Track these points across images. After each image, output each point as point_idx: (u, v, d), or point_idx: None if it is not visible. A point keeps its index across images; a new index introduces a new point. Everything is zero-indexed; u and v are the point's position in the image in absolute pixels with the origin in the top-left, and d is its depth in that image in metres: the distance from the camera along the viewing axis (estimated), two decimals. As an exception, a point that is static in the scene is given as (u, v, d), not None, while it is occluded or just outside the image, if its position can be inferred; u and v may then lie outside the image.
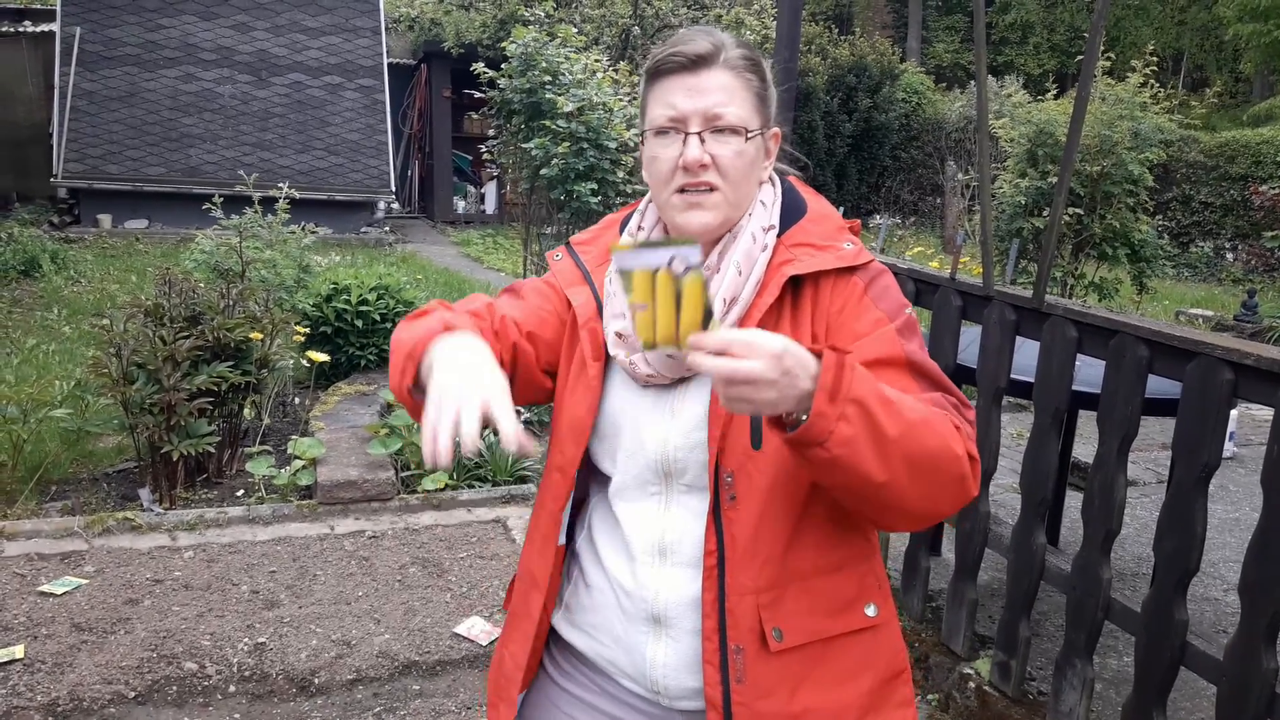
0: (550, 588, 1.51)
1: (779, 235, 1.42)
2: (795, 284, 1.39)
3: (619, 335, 1.42)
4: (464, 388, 1.16)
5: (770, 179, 1.49)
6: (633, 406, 1.43)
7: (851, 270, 1.40)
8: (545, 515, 1.52)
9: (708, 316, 1.15)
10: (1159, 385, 2.72)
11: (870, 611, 1.43)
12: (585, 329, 1.46)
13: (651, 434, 1.40)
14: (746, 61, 1.39)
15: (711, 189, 1.37)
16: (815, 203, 1.49)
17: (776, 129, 1.46)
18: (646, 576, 1.41)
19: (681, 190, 1.37)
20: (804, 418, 1.16)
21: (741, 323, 1.37)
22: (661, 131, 1.38)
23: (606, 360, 1.46)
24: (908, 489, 1.22)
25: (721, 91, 1.36)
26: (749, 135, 1.38)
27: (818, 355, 1.15)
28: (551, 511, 1.50)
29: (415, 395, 1.31)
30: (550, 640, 1.56)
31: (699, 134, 1.35)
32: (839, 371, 1.14)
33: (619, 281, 1.24)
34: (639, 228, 1.50)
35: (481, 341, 1.27)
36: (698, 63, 1.36)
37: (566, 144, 6.19)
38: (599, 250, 1.54)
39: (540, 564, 1.52)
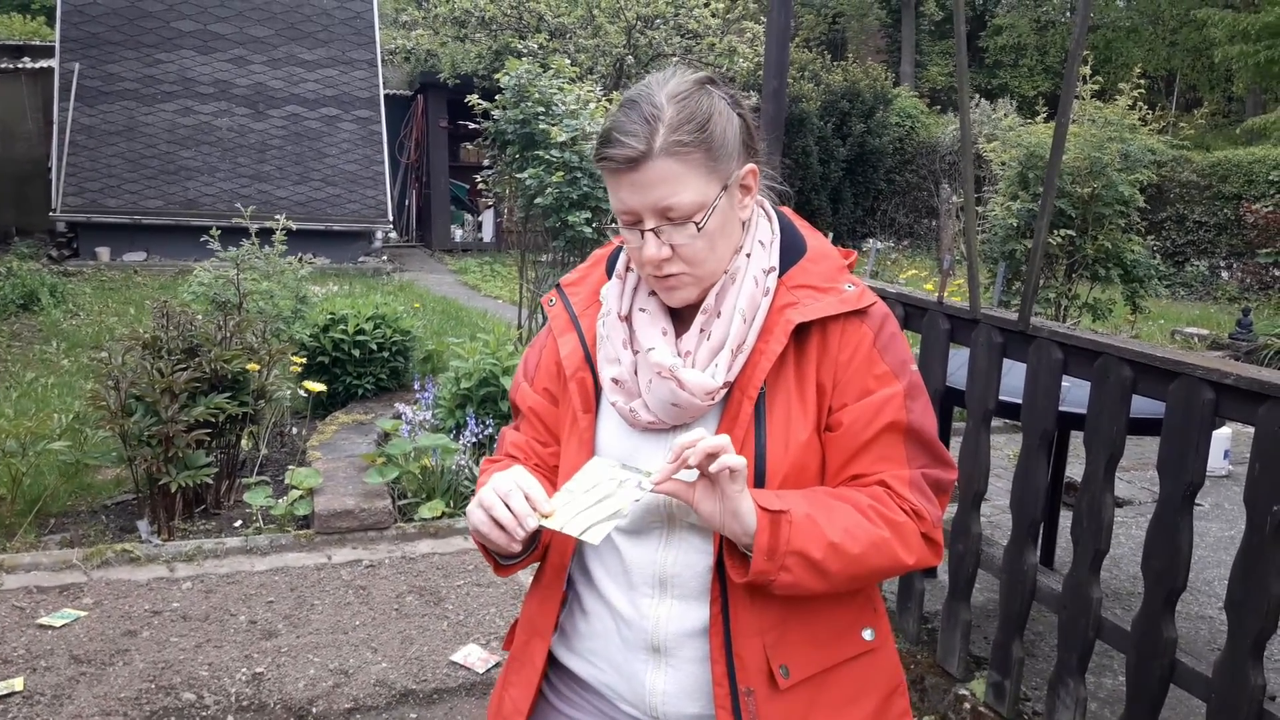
0: (550, 635, 1.53)
1: (779, 276, 1.42)
2: (799, 328, 1.38)
3: (615, 381, 1.43)
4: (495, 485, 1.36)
5: (766, 214, 1.47)
6: (631, 448, 1.43)
7: (857, 313, 1.40)
8: (549, 568, 1.53)
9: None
10: (1148, 406, 2.75)
11: (867, 635, 1.46)
12: (574, 380, 1.47)
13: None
14: (683, 140, 1.32)
15: (677, 276, 1.38)
16: (814, 240, 1.48)
17: (751, 165, 1.41)
18: (646, 607, 1.41)
19: (651, 276, 1.40)
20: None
21: (746, 369, 1.37)
22: (623, 223, 1.39)
23: (598, 407, 1.47)
24: (855, 586, 1.40)
25: (665, 184, 1.32)
26: (700, 223, 1.34)
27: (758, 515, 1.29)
28: (555, 565, 1.51)
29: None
30: (549, 665, 1.56)
31: (655, 230, 1.34)
32: (773, 533, 1.27)
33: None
34: (627, 269, 1.49)
35: (519, 467, 1.43)
36: (633, 163, 1.32)
37: (560, 173, 6.25)
38: (587, 291, 1.54)
39: (542, 613, 1.52)
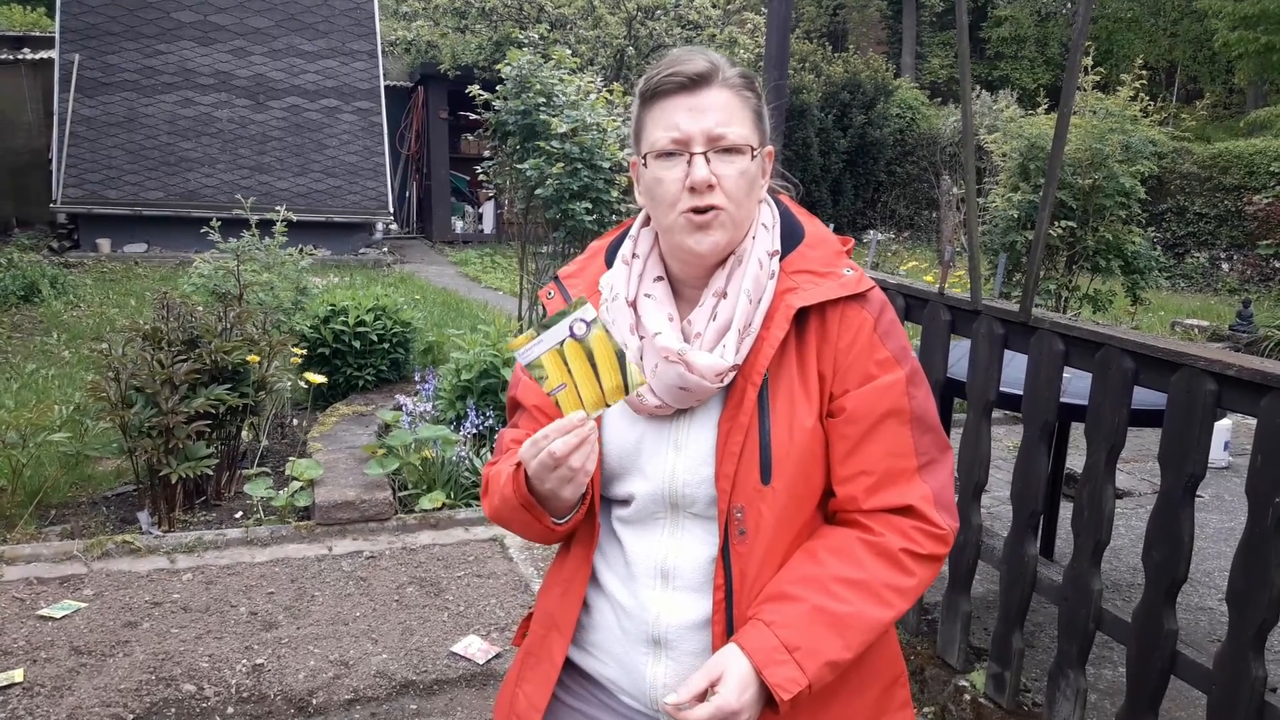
0: (571, 631, 1.50)
1: (780, 260, 1.42)
2: (799, 314, 1.38)
3: None
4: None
5: (766, 200, 1.48)
6: (636, 438, 1.42)
7: (856, 298, 1.40)
8: (573, 558, 1.51)
9: (621, 360, 1.27)
10: (1149, 397, 2.75)
11: None
12: None
13: (656, 467, 1.40)
14: (743, 80, 1.39)
15: (717, 209, 1.36)
16: (812, 226, 1.49)
17: (770, 147, 1.46)
18: (647, 598, 1.41)
19: (687, 212, 1.37)
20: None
21: (750, 356, 1.37)
22: (664, 153, 1.37)
23: None
24: None
25: (722, 110, 1.36)
26: (753, 154, 1.38)
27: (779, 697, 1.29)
28: (580, 556, 1.49)
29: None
30: None
31: (704, 154, 1.35)
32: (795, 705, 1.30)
33: (533, 374, 1.29)
34: (634, 254, 1.48)
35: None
36: (697, 82, 1.36)
37: (561, 164, 6.23)
38: (586, 283, 1.52)
39: (564, 607, 1.50)
